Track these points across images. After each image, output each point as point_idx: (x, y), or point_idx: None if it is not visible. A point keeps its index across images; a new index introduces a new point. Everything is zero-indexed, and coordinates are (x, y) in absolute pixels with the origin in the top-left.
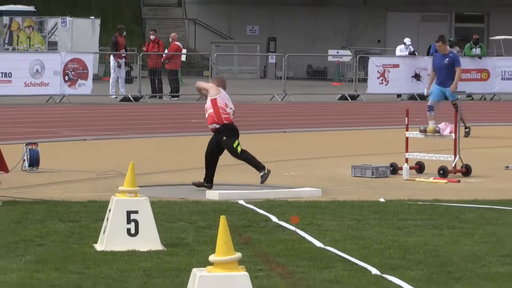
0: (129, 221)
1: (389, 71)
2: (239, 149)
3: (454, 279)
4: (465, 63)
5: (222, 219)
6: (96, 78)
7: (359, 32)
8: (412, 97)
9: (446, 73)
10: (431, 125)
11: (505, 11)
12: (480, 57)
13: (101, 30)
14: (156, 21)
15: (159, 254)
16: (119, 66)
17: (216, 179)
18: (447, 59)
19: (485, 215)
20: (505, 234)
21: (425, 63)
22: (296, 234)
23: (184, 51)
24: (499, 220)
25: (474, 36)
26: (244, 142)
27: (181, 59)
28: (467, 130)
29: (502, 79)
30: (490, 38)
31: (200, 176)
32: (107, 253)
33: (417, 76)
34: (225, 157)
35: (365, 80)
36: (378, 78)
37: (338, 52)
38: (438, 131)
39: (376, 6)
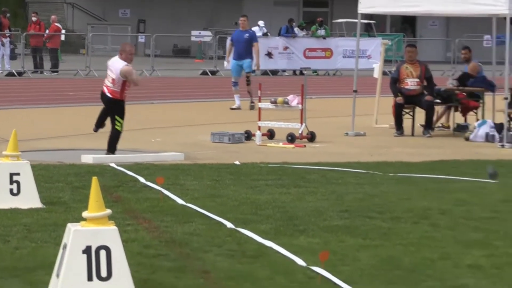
0: (11, 182)
1: None
2: None
3: (299, 231)
4: (311, 43)
5: (94, 179)
6: None
7: (218, 15)
8: (265, 73)
9: (244, 48)
10: (280, 98)
11: None
12: (324, 38)
13: None
14: (38, 5)
15: (39, 211)
16: (3, 44)
17: (91, 145)
18: (246, 35)
19: (327, 176)
20: (343, 192)
21: (277, 42)
22: (161, 193)
23: (63, 31)
24: (339, 180)
25: (318, 19)
26: None
27: (61, 39)
28: (252, 104)
29: (343, 57)
30: (333, 21)
31: (76, 142)
32: None
33: (269, 54)
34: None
35: (223, 57)
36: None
37: (200, 33)
38: (287, 102)
39: None
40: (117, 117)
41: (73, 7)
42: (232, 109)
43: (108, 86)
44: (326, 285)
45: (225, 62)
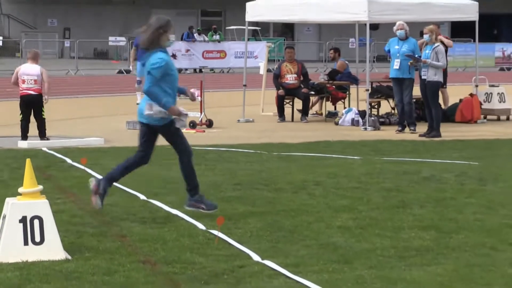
0: None
1: None
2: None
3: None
4: (209, 46)
5: (28, 161)
6: None
7: (131, 23)
8: None
9: None
10: None
11: (237, 8)
12: (219, 41)
13: None
14: None
15: None
16: None
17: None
18: None
19: (222, 155)
20: (237, 169)
21: (180, 46)
22: (85, 171)
23: (0, 38)
24: (233, 159)
25: (213, 27)
26: (51, 106)
27: None
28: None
29: (235, 57)
30: (226, 27)
31: (13, 131)
32: None
33: (174, 56)
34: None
35: (136, 59)
36: None
37: (116, 38)
38: None
39: (142, 5)
40: (42, 110)
41: (8, 18)
42: (138, 104)
43: (31, 88)
44: (222, 245)
45: (131, 67)
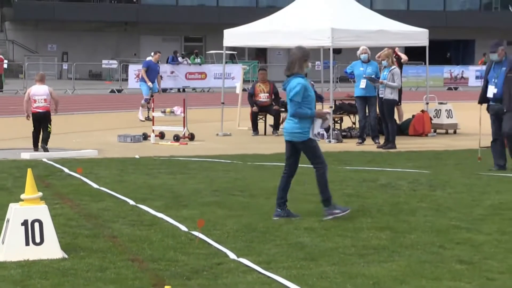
0: None
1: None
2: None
3: (183, 206)
4: (191, 68)
5: (29, 170)
6: None
7: (122, 48)
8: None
9: (156, 75)
10: (168, 108)
11: (216, 35)
12: (200, 64)
13: None
14: None
15: None
16: None
17: (28, 145)
18: (158, 66)
19: (203, 165)
20: (215, 177)
21: (165, 68)
22: (80, 179)
23: (5, 61)
24: (212, 168)
25: (195, 51)
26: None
27: (4, 67)
28: (147, 117)
29: (214, 78)
30: (206, 52)
31: (17, 144)
32: None
33: (160, 77)
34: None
35: (126, 79)
36: (134, 78)
37: (108, 61)
38: (173, 112)
39: (132, 32)
40: (49, 125)
41: (13, 43)
42: (146, 119)
43: (41, 107)
44: (202, 244)
45: (150, 84)
